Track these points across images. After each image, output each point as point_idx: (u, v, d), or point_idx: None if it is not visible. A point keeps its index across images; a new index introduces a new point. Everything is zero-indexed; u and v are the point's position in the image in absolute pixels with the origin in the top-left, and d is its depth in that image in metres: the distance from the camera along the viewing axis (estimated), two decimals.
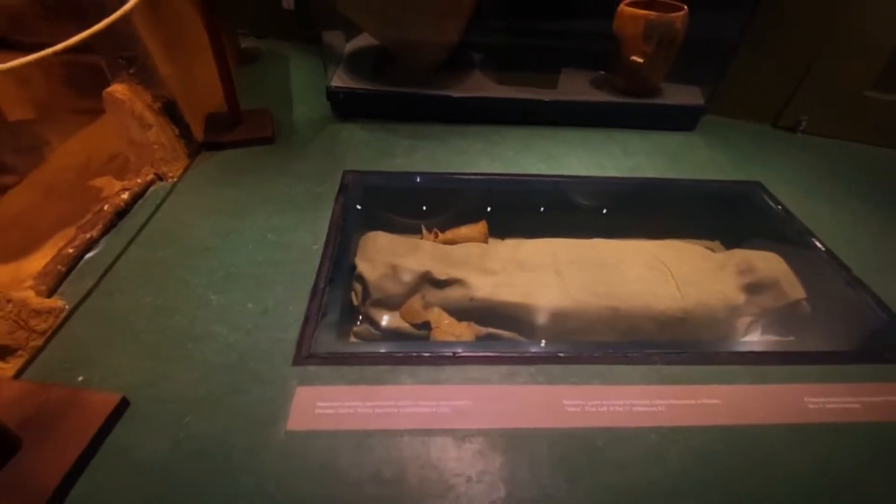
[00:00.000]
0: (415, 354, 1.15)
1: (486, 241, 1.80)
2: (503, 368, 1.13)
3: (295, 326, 1.21)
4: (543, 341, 1.44)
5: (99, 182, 1.65)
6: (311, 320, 1.22)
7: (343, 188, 1.71)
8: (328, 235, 1.50)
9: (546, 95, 2.15)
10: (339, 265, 1.44)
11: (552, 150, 2.01)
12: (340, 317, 1.33)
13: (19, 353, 1.08)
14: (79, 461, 0.90)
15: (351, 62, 2.29)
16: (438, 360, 1.14)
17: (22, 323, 1.09)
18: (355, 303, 1.49)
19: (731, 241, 1.90)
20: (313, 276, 1.35)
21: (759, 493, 0.94)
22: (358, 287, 1.50)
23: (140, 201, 1.58)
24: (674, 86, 2.25)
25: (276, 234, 1.49)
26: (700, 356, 1.19)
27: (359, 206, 1.71)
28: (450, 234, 1.81)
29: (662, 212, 1.93)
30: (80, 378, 1.07)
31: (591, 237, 1.82)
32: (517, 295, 1.47)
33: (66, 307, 1.21)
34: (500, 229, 1.87)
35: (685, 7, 1.97)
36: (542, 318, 1.46)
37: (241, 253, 1.42)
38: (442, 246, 1.67)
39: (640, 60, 2.02)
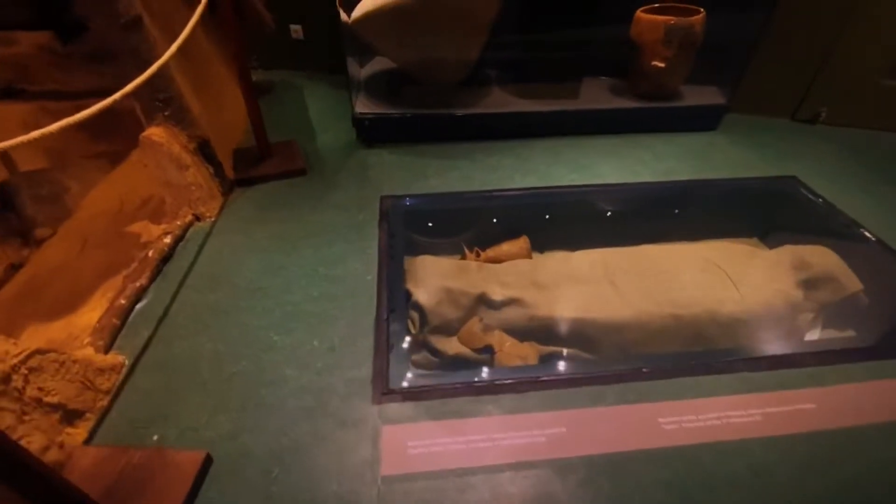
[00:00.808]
0: (497, 382, 1.11)
1: (529, 257, 1.78)
2: (590, 390, 1.10)
3: (366, 362, 1.17)
4: (621, 358, 1.41)
5: (135, 227, 1.62)
6: (380, 354, 1.19)
7: (384, 214, 1.69)
8: (380, 264, 1.47)
9: (569, 105, 2.15)
10: (395, 294, 1.41)
11: (582, 159, 2.01)
12: (408, 344, 1.30)
13: (87, 415, 1.03)
14: None
15: (369, 87, 2.29)
16: (521, 387, 1.10)
17: (88, 384, 1.04)
18: (412, 331, 1.45)
19: (773, 237, 1.89)
20: (374, 308, 1.32)
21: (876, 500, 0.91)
22: (414, 315, 1.46)
23: (181, 244, 1.55)
24: (692, 87, 2.26)
25: (326, 268, 1.46)
26: (784, 359, 1.17)
27: (402, 231, 1.68)
28: (492, 251, 1.79)
29: (701, 213, 1.92)
30: (155, 437, 1.02)
31: (634, 244, 1.80)
32: (577, 309, 1.45)
33: (127, 362, 1.17)
34: (542, 243, 1.85)
35: (702, 10, 1.99)
36: (604, 332, 1.43)
37: (295, 290, 1.38)
38: (489, 265, 1.64)
39: (662, 65, 2.03)
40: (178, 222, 1.57)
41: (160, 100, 1.48)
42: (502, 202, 1.82)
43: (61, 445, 0.94)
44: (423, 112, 2.07)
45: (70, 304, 1.33)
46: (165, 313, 1.31)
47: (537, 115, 2.12)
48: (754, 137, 2.18)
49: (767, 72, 2.21)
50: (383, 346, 1.20)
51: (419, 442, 0.99)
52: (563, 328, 1.44)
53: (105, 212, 1.71)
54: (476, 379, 1.12)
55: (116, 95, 1.15)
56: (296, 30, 2.71)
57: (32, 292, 1.38)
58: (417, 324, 1.45)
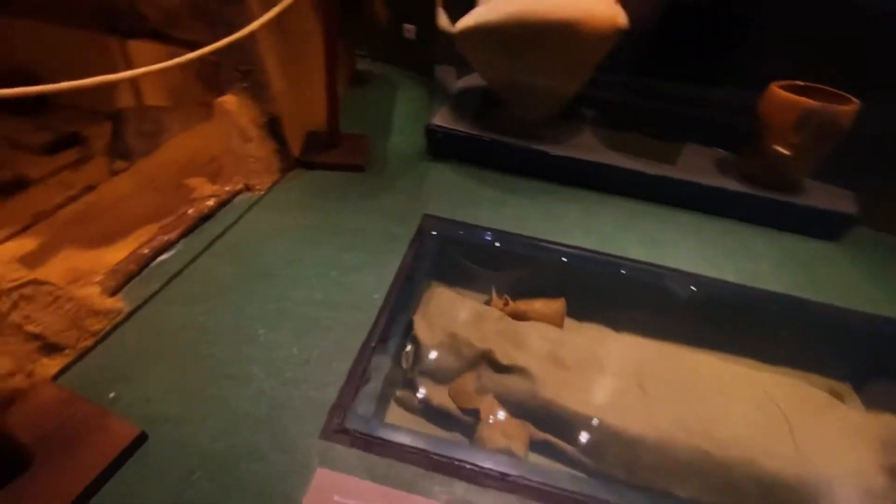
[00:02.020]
0: (456, 462, 0.97)
1: (561, 321, 1.59)
2: None
3: (333, 388, 1.09)
4: (625, 481, 1.19)
5: (194, 182, 1.69)
6: (350, 385, 1.10)
7: (420, 233, 1.61)
8: (392, 286, 1.39)
9: (662, 169, 1.91)
10: (396, 319, 1.32)
11: (658, 234, 1.76)
12: (385, 380, 1.20)
13: (67, 351, 1.06)
14: (81, 496, 0.84)
15: (456, 101, 2.22)
16: (481, 478, 0.95)
17: (78, 322, 1.08)
18: (404, 365, 1.35)
19: (873, 389, 1.52)
20: (366, 332, 1.24)
21: None
22: (410, 348, 1.36)
23: (224, 208, 1.59)
24: (818, 184, 1.90)
25: (340, 272, 1.41)
26: None
27: (431, 255, 1.59)
28: (522, 304, 1.63)
29: (782, 334, 1.59)
30: (112, 395, 1.02)
31: (686, 346, 1.54)
32: (590, 406, 1.25)
33: (124, 310, 1.20)
34: (580, 310, 1.65)
35: (857, 101, 1.65)
36: (614, 442, 1.22)
37: (301, 286, 1.35)
38: (510, 320, 1.49)
39: (787, 152, 1.72)
40: (228, 188, 1.62)
41: (241, 70, 1.53)
42: (551, 255, 1.65)
43: (29, 374, 0.98)
44: (497, 138, 1.96)
45: (109, 238, 1.41)
46: (179, 272, 1.34)
47: (622, 170, 1.91)
48: (884, 263, 1.78)
49: None
50: (356, 377, 1.12)
51: (345, 500, 0.89)
52: (569, 421, 1.25)
53: (176, 160, 1.82)
54: (434, 451, 0.99)
55: (191, 55, 1.19)
56: (409, 29, 2.73)
57: (86, 218, 1.50)
58: (411, 359, 1.35)
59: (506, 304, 1.61)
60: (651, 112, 2.18)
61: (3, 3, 2.67)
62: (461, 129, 2.00)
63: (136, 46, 2.70)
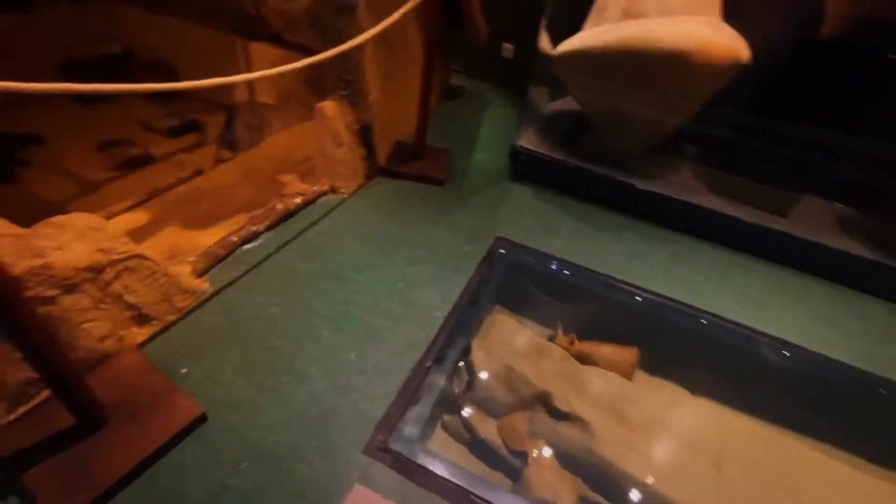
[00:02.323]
0: None
1: (631, 372, 1.46)
2: None
3: (383, 403, 1.08)
4: None
5: (286, 178, 1.80)
6: (400, 403, 1.08)
7: (490, 256, 1.57)
8: (455, 305, 1.36)
9: (769, 220, 1.70)
10: (454, 341, 1.29)
11: (757, 293, 1.57)
12: (435, 402, 1.17)
13: (154, 322, 1.16)
14: (141, 464, 0.90)
15: (546, 124, 2.16)
16: None
17: (168, 297, 1.17)
18: (456, 390, 1.32)
19: None
20: (423, 349, 1.22)
21: None
22: (464, 374, 1.32)
23: (309, 206, 1.67)
24: None
25: (407, 285, 1.41)
26: None
27: (499, 279, 1.54)
28: (589, 346, 1.52)
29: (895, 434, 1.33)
30: (184, 370, 1.09)
31: (775, 427, 1.34)
32: (654, 474, 1.12)
33: (208, 292, 1.29)
34: (654, 364, 1.51)
35: None
36: None
37: (369, 293, 1.37)
38: (574, 362, 1.40)
39: None
40: (315, 188, 1.69)
41: (344, 80, 1.60)
42: (628, 298, 1.53)
43: (120, 339, 1.08)
44: (584, 165, 1.87)
45: (207, 222, 1.54)
46: (260, 263, 1.42)
47: (721, 215, 1.73)
48: None
49: None
50: (407, 395, 1.10)
51: None
52: (624, 486, 1.14)
53: (274, 155, 1.95)
54: (475, 491, 0.94)
55: (299, 63, 1.26)
56: (508, 48, 2.73)
57: (191, 200, 1.64)
58: (464, 385, 1.31)
59: (571, 342, 1.52)
60: (764, 155, 1.96)
61: (152, 3, 3.05)
62: (546, 152, 1.93)
63: (257, 48, 2.97)
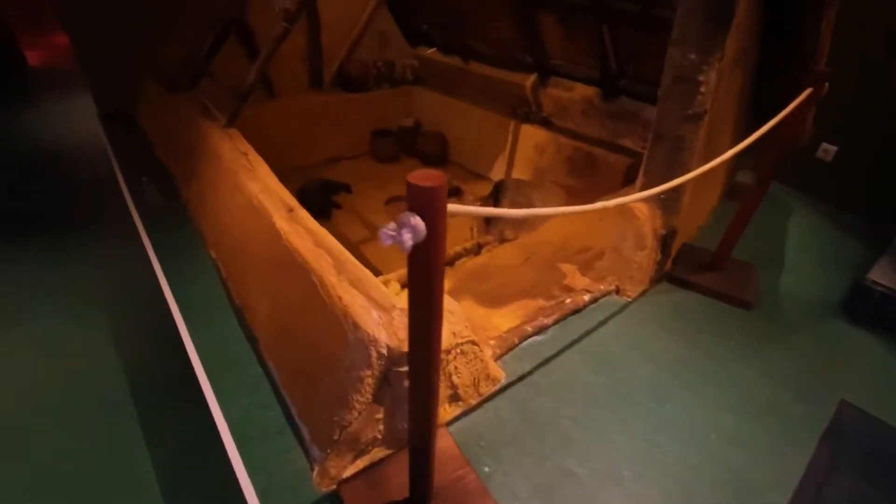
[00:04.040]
0: None
1: None
2: None
3: None
4: None
5: (565, 268, 1.76)
6: None
7: (835, 429, 1.19)
8: (796, 493, 1.03)
9: None
10: None
11: None
12: None
13: (461, 403, 1.17)
14: None
15: None
16: None
17: (476, 381, 1.18)
18: None
19: None
20: None
21: None
22: None
23: (593, 306, 1.57)
24: None
25: (722, 440, 1.15)
26: None
27: (857, 469, 1.14)
28: None
29: None
30: (486, 469, 1.06)
31: None
32: None
33: (502, 381, 1.27)
34: None
35: None
36: None
37: (673, 433, 1.16)
38: None
39: None
40: (602, 287, 1.60)
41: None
42: None
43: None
44: None
45: (496, 301, 1.57)
46: (548, 361, 1.36)
47: None
48: None
49: None
50: None
51: None
52: None
53: (552, 241, 1.95)
54: None
55: (684, 178, 1.19)
56: (826, 149, 2.28)
57: (480, 276, 1.73)
58: None
59: None
60: None
61: (445, 87, 3.57)
62: None
63: (526, 129, 3.19)
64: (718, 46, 1.24)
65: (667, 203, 1.53)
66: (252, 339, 1.45)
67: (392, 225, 0.52)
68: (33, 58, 5.49)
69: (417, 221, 0.51)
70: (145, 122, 2.96)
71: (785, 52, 1.78)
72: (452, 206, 0.57)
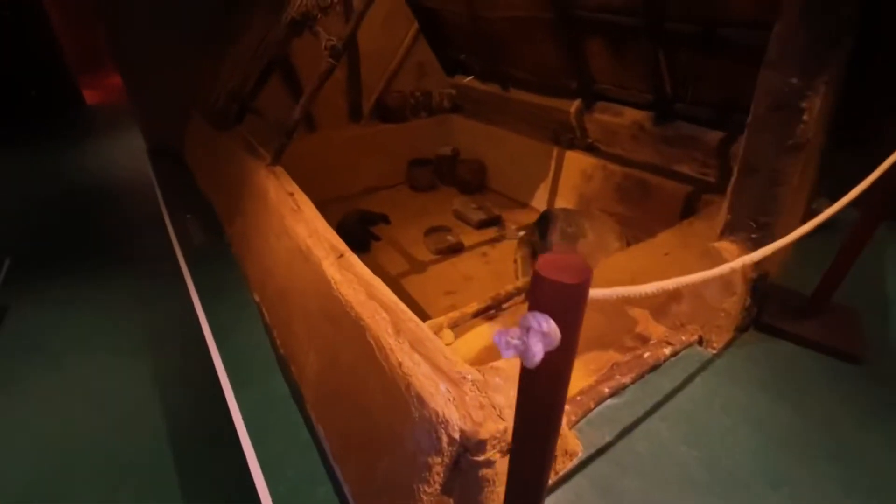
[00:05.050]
0: None
1: None
2: None
3: None
4: None
5: (635, 312, 1.59)
6: None
7: None
8: None
9: None
10: None
11: None
12: None
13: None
14: None
15: None
16: None
17: (554, 458, 1.03)
18: None
19: None
20: None
21: None
22: None
23: (673, 359, 1.39)
24: None
25: None
26: None
27: None
28: None
29: None
30: None
31: None
32: None
33: (578, 455, 1.11)
34: None
35: None
36: None
37: None
38: None
39: None
40: (683, 337, 1.42)
41: (758, 221, 1.31)
42: None
43: None
44: None
45: None
46: (629, 430, 1.18)
47: None
48: None
49: None
50: None
51: None
52: None
53: (616, 280, 1.77)
54: None
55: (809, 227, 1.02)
56: None
57: None
58: None
59: None
60: None
61: (484, 115, 3.50)
62: None
63: (571, 155, 3.05)
64: (827, 69, 1.08)
65: (759, 243, 1.34)
66: (298, 395, 1.34)
67: (514, 331, 0.39)
68: (90, 96, 5.82)
69: (551, 326, 0.38)
70: (191, 158, 2.99)
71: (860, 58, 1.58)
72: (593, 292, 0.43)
